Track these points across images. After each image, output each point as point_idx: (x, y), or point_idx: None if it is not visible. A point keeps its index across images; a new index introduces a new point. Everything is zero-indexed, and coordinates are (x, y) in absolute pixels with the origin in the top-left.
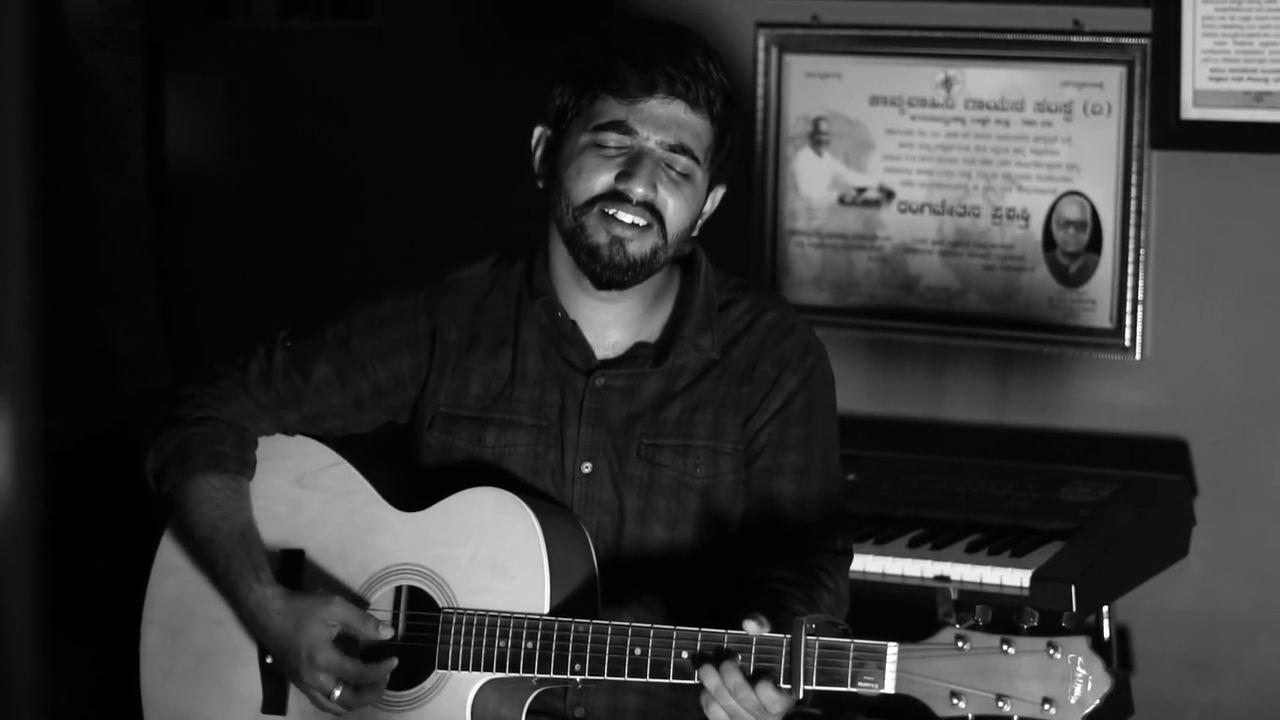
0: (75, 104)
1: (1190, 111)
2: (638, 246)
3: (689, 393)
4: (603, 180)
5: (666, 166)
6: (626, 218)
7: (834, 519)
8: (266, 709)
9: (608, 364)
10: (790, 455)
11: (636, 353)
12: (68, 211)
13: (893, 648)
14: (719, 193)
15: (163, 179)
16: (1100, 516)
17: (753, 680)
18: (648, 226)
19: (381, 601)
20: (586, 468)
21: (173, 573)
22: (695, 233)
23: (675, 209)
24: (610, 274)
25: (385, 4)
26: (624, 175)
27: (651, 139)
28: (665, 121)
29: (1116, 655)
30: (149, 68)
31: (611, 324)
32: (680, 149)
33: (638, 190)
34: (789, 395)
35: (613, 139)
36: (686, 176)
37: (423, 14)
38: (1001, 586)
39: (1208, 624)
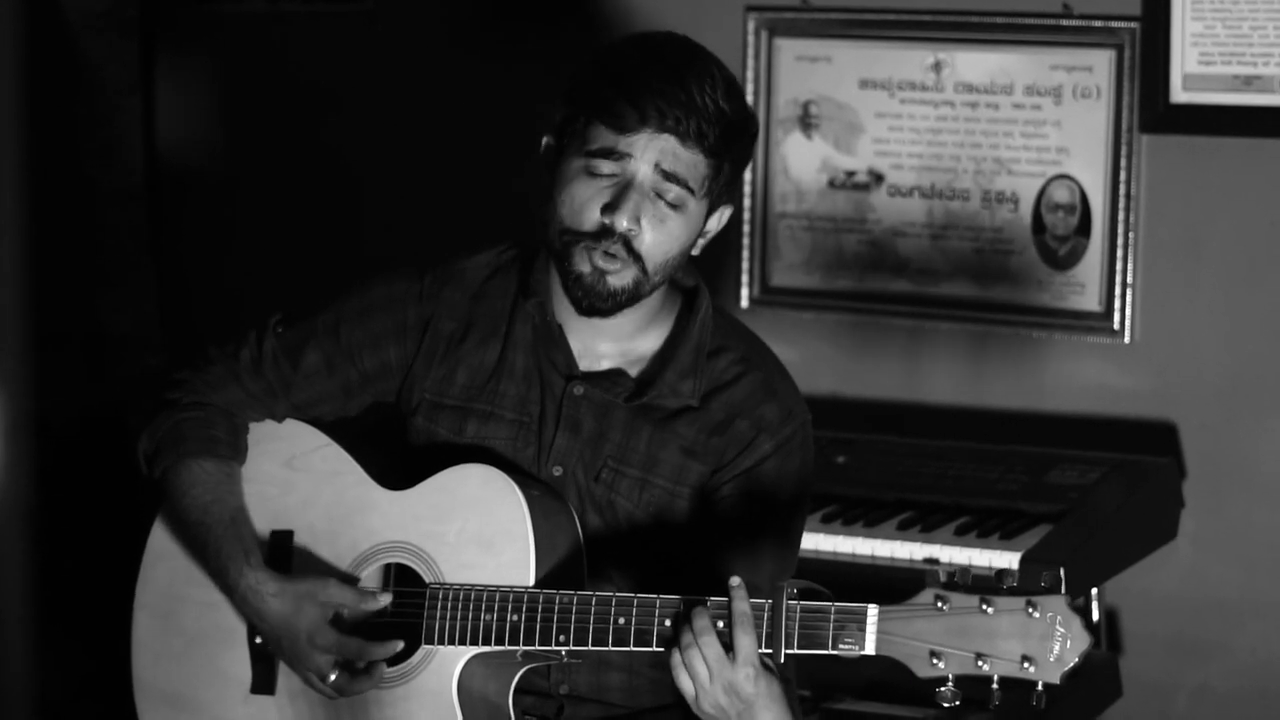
0: (71, 90)
1: (1179, 95)
2: (618, 279)
3: (661, 428)
4: (590, 217)
5: (656, 196)
6: (607, 252)
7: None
8: (255, 690)
9: (587, 376)
10: (751, 512)
11: (615, 379)
12: (63, 196)
13: (873, 609)
14: (725, 213)
15: (153, 163)
16: (1089, 499)
17: (734, 642)
18: (626, 262)
19: (370, 580)
20: (557, 471)
21: (164, 558)
22: (697, 252)
23: (653, 243)
24: (591, 301)
25: None
26: (609, 207)
27: (644, 167)
28: (656, 152)
29: (1105, 637)
30: (141, 51)
31: (599, 336)
32: (672, 177)
33: (621, 223)
34: (761, 458)
35: (605, 166)
36: (676, 207)
37: None
38: (991, 569)
39: (1196, 606)
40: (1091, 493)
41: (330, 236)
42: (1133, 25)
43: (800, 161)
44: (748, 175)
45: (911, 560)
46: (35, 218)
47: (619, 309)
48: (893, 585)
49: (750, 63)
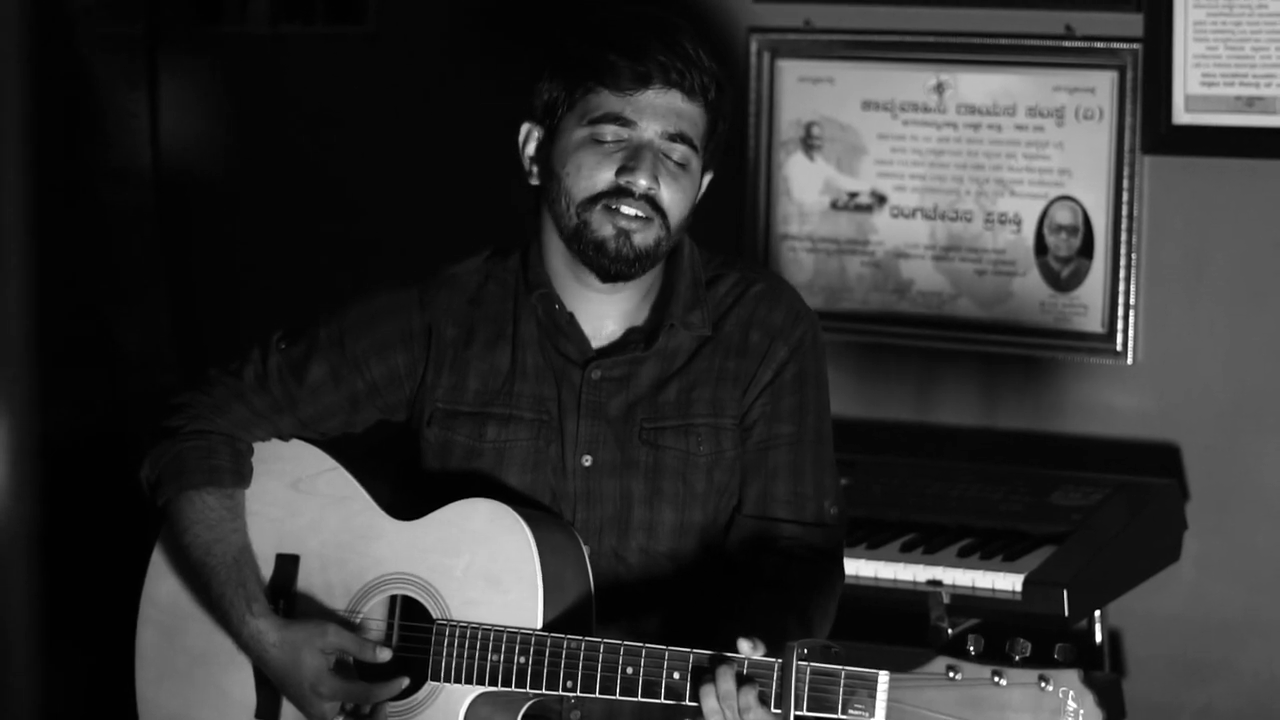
0: (82, 111)
1: (1182, 116)
2: (642, 238)
3: (685, 372)
4: (604, 177)
5: (664, 156)
6: (630, 210)
7: (827, 485)
8: (260, 714)
9: (602, 353)
10: (783, 425)
11: (628, 339)
12: (77, 217)
13: (884, 676)
14: (707, 178)
15: (158, 183)
16: (1092, 521)
17: (742, 708)
18: (649, 219)
19: (375, 610)
20: (587, 461)
21: (170, 573)
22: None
23: (673, 200)
24: (618, 266)
25: (379, 9)
26: (625, 169)
27: (650, 129)
28: (663, 111)
29: (1109, 659)
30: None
31: (609, 315)
32: (679, 137)
33: (641, 183)
34: (780, 365)
35: (610, 131)
36: (683, 166)
37: (416, 19)
38: (994, 591)
39: (1199, 628)
40: (1095, 514)
41: (333, 256)
42: (1135, 46)
43: (803, 183)
44: (749, 196)
45: (915, 582)
46: (50, 240)
47: (643, 271)
48: (896, 607)
49: (753, 84)
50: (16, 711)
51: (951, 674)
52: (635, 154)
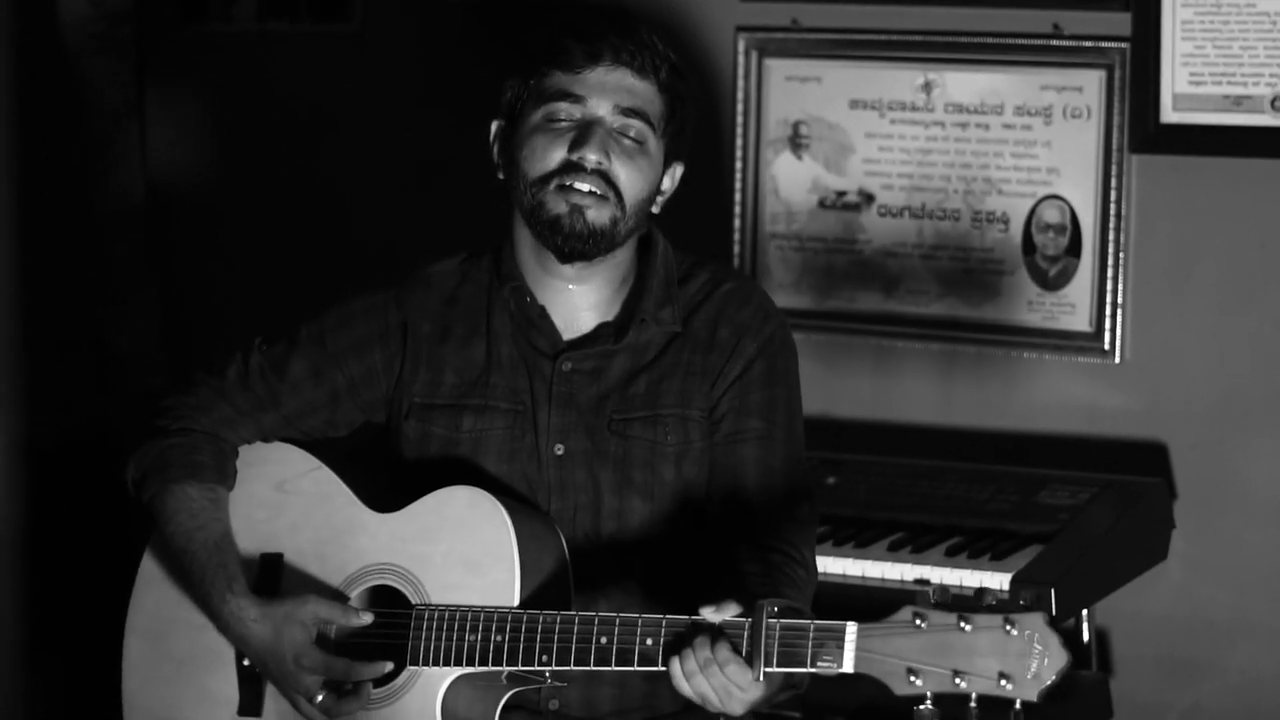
0: (70, 113)
1: (1170, 115)
2: (596, 214)
3: (655, 366)
4: (556, 156)
5: (619, 135)
6: (583, 186)
7: (798, 484)
8: (243, 711)
9: (573, 345)
10: (752, 420)
11: (599, 332)
12: (65, 218)
13: (851, 627)
14: (678, 170)
15: (146, 184)
16: (1079, 520)
17: (720, 662)
18: (603, 196)
19: (358, 602)
20: (559, 450)
21: (155, 582)
22: (657, 210)
23: (629, 178)
24: (572, 244)
25: (364, 7)
26: (576, 144)
27: (602, 106)
28: (614, 87)
29: (1096, 658)
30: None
31: (580, 307)
32: (632, 112)
33: (591, 157)
34: (748, 361)
35: (563, 110)
36: (640, 144)
37: (402, 17)
38: (981, 590)
39: (1186, 627)
40: (1082, 513)
41: (320, 253)
42: (1123, 45)
43: (790, 182)
44: (736, 195)
45: (902, 581)
46: (38, 241)
47: (599, 250)
48: (883, 607)
49: (740, 83)
50: (1, 710)
51: (918, 621)
52: (585, 130)
